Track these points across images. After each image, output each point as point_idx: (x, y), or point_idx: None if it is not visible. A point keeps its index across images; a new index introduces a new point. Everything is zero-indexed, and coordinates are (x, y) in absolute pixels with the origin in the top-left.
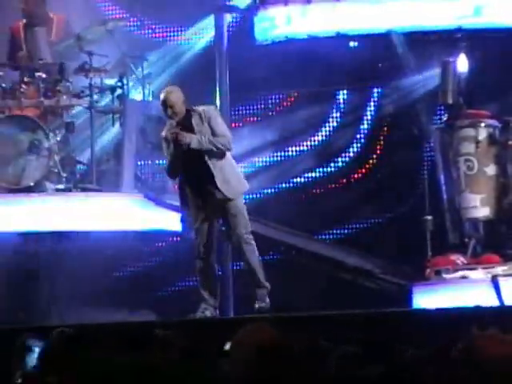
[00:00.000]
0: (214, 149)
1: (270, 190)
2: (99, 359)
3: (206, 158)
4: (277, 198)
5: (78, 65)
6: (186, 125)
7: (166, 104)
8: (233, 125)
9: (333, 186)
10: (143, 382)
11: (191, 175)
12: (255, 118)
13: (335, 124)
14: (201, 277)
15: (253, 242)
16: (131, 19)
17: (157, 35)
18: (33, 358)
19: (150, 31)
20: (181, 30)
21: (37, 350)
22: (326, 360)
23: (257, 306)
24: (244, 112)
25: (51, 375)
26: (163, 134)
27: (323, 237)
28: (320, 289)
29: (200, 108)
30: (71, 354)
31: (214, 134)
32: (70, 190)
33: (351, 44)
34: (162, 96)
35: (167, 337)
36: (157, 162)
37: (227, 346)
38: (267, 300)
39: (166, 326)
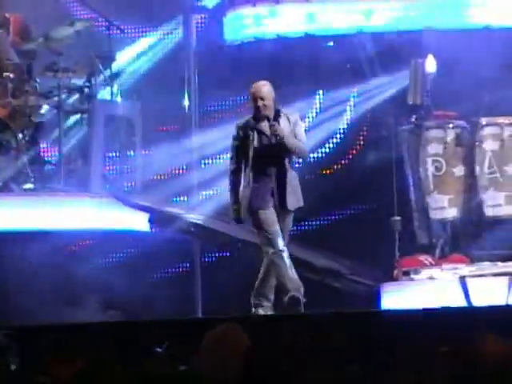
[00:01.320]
0: (296, 153)
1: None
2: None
3: (285, 163)
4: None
5: (46, 65)
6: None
7: (256, 95)
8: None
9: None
10: None
11: (263, 177)
12: (225, 118)
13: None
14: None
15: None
16: (99, 19)
17: (125, 35)
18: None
19: (118, 31)
20: (149, 30)
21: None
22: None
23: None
24: (213, 112)
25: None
26: (238, 123)
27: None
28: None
29: (286, 111)
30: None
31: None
32: (38, 190)
33: (328, 44)
34: (253, 88)
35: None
36: (125, 162)
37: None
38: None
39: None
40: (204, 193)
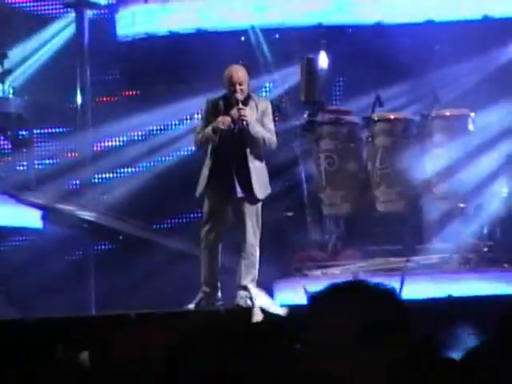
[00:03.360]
0: (261, 141)
1: (108, 176)
2: None
3: (248, 151)
4: (117, 185)
5: None
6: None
7: (233, 80)
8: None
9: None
10: None
11: (224, 161)
12: (117, 112)
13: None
14: (203, 265)
15: (257, 254)
16: None
17: (18, 31)
18: None
19: (10, 27)
20: (42, 26)
21: None
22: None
23: (239, 303)
24: (106, 107)
25: None
26: (208, 99)
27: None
28: (183, 286)
29: (256, 97)
30: None
31: (263, 126)
32: None
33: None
34: (229, 72)
35: None
36: (18, 158)
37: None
38: (248, 302)
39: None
40: (97, 188)
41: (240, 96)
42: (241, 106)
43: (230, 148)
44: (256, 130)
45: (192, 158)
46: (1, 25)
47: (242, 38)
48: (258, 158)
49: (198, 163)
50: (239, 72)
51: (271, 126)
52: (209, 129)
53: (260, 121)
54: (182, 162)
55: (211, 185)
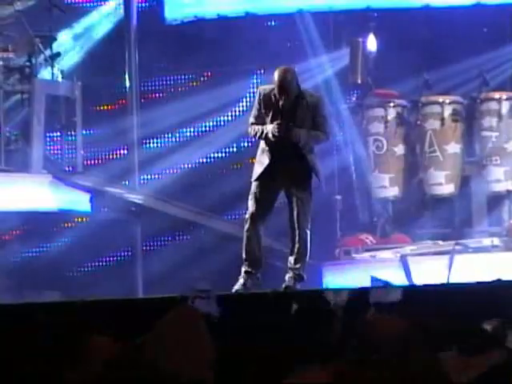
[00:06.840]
0: (312, 141)
1: (175, 170)
2: None
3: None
4: (183, 177)
5: None
6: (290, 107)
7: (279, 89)
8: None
9: (238, 165)
10: None
11: (277, 150)
12: (163, 97)
13: (248, 104)
14: (245, 245)
15: (308, 238)
16: None
17: (67, 14)
18: None
19: (59, 10)
20: (90, 10)
21: None
22: None
23: (288, 285)
24: (153, 91)
25: None
26: (259, 92)
27: (231, 216)
28: (230, 268)
29: (308, 93)
30: None
31: (314, 123)
32: None
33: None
34: (276, 76)
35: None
36: (66, 142)
37: None
38: (297, 285)
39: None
40: (145, 174)
41: (286, 103)
42: (278, 121)
43: (282, 141)
44: (305, 141)
45: (240, 144)
46: (50, 8)
47: (291, 21)
48: (310, 148)
49: (245, 150)
50: (286, 77)
51: (323, 121)
52: (262, 131)
53: (312, 119)
54: (230, 147)
55: (266, 171)
